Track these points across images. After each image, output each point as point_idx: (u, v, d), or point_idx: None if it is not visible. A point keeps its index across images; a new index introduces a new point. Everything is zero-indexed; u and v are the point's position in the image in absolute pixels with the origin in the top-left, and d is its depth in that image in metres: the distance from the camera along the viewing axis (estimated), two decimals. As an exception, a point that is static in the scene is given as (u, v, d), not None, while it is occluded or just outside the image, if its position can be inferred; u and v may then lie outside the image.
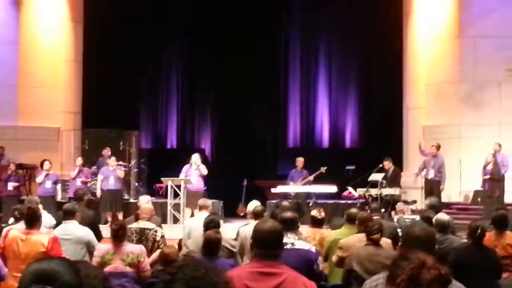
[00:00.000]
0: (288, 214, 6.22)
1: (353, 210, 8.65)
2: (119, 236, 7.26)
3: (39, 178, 16.39)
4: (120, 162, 17.61)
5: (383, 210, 13.34)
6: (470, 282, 3.65)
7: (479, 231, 6.97)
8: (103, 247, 7.48)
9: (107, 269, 7.10)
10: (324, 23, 22.96)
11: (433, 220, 8.16)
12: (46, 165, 16.29)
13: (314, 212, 8.74)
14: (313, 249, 6.06)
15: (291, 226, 6.01)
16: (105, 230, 10.68)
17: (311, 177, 16.77)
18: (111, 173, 16.49)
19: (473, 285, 3.64)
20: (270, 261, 3.86)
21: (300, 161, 17.21)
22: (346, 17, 21.88)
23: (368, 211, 10.23)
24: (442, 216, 8.27)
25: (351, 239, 7.44)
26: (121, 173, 16.78)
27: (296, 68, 23.55)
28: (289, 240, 5.83)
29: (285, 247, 5.64)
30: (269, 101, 23.20)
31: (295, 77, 23.52)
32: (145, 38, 22.17)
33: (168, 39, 23.54)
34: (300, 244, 5.91)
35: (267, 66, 22.83)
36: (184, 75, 23.92)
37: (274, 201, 16.32)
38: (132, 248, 7.30)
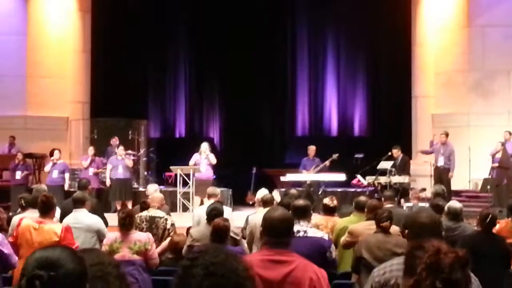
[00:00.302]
0: (301, 202, 6.19)
1: (362, 198, 8.66)
2: (126, 224, 7.28)
3: (46, 168, 16.47)
4: (129, 151, 17.61)
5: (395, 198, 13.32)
6: (478, 269, 3.65)
7: (489, 218, 6.94)
8: (111, 236, 7.52)
9: (115, 257, 7.14)
10: (332, 13, 22.90)
11: (445, 207, 8.16)
12: (56, 154, 16.31)
13: (326, 200, 8.75)
14: (326, 236, 6.06)
15: (303, 214, 6.00)
16: (115, 218, 10.73)
17: (327, 162, 16.70)
18: (119, 162, 16.50)
19: (482, 273, 3.64)
20: (281, 249, 3.85)
21: (312, 149, 17.16)
22: (354, 7, 21.74)
23: (382, 199, 10.26)
24: (454, 203, 8.27)
25: (360, 225, 7.47)
26: (129, 162, 16.79)
27: (304, 57, 23.52)
28: (302, 228, 5.83)
29: (297, 235, 5.67)
30: (278, 90, 23.19)
31: (304, 66, 23.50)
32: (153, 28, 22.17)
33: (177, 29, 23.52)
34: (312, 232, 5.91)
35: (276, 55, 22.83)
36: (192, 64, 23.93)
37: (283, 189, 16.31)
38: (139, 236, 7.33)
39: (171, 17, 22.73)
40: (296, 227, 5.82)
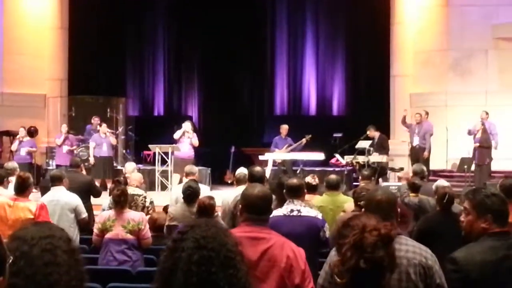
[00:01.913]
0: (295, 181, 6.16)
1: (332, 177, 8.68)
2: (121, 202, 7.30)
3: (13, 146, 16.40)
4: (108, 130, 17.56)
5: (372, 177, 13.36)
6: (438, 248, 3.71)
7: (446, 197, 7.01)
8: (104, 214, 7.53)
9: (108, 235, 7.18)
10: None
11: (433, 186, 8.22)
12: (21, 132, 16.25)
13: (308, 179, 8.76)
14: (319, 216, 6.04)
15: (297, 193, 5.97)
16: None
17: (304, 140, 16.69)
18: (104, 140, 16.43)
19: (441, 252, 3.69)
20: (259, 226, 3.89)
21: (284, 128, 17.15)
22: (334, -15, 21.80)
23: (359, 178, 10.29)
24: (442, 183, 8.33)
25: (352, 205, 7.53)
26: (114, 139, 16.80)
27: (283, 35, 23.49)
28: (296, 207, 5.81)
29: (292, 214, 5.69)
30: (257, 69, 23.16)
31: (282, 45, 23.46)
32: (132, 5, 22.02)
33: (156, 6, 23.38)
34: (306, 211, 5.89)
35: (254, 34, 22.78)
36: (171, 42, 23.82)
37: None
38: (133, 215, 7.35)
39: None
40: (290, 206, 5.83)
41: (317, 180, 8.79)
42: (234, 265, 2.40)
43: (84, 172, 12.06)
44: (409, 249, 3.47)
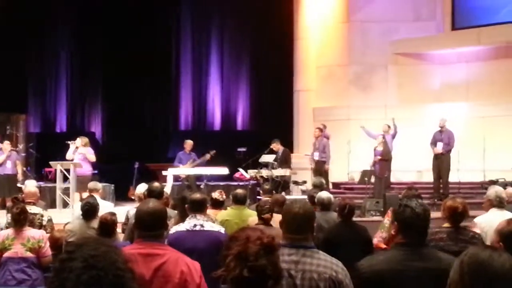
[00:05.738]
0: (198, 195, 6.19)
1: (240, 191, 8.74)
2: (20, 220, 7.17)
3: None
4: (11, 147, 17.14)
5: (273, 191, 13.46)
6: (341, 256, 3.80)
7: (347, 208, 7.22)
8: (2, 233, 7.37)
9: (7, 254, 7.06)
10: (216, 7, 23.00)
11: (315, 199, 8.40)
12: None
13: (215, 195, 8.77)
14: (222, 230, 6.07)
15: (200, 207, 6.00)
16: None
17: (207, 156, 16.64)
18: (7, 158, 16.04)
19: (344, 260, 3.78)
20: (152, 242, 3.85)
21: (188, 143, 17.06)
22: (238, 1, 21.90)
23: (261, 192, 10.34)
24: (322, 194, 8.53)
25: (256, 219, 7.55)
26: (18, 157, 16.42)
27: (188, 51, 23.53)
28: (199, 222, 5.83)
29: (194, 228, 5.69)
30: (161, 84, 23.09)
31: (187, 60, 23.50)
32: (33, 17, 21.63)
33: (57, 21, 23.04)
34: (209, 226, 5.91)
35: (159, 49, 22.69)
36: (73, 57, 23.52)
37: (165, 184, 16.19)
38: (33, 233, 7.24)
39: (54, 7, 22.29)
40: (193, 221, 5.84)
41: (224, 196, 8.84)
42: (123, 283, 2.32)
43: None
44: (321, 263, 3.56)
